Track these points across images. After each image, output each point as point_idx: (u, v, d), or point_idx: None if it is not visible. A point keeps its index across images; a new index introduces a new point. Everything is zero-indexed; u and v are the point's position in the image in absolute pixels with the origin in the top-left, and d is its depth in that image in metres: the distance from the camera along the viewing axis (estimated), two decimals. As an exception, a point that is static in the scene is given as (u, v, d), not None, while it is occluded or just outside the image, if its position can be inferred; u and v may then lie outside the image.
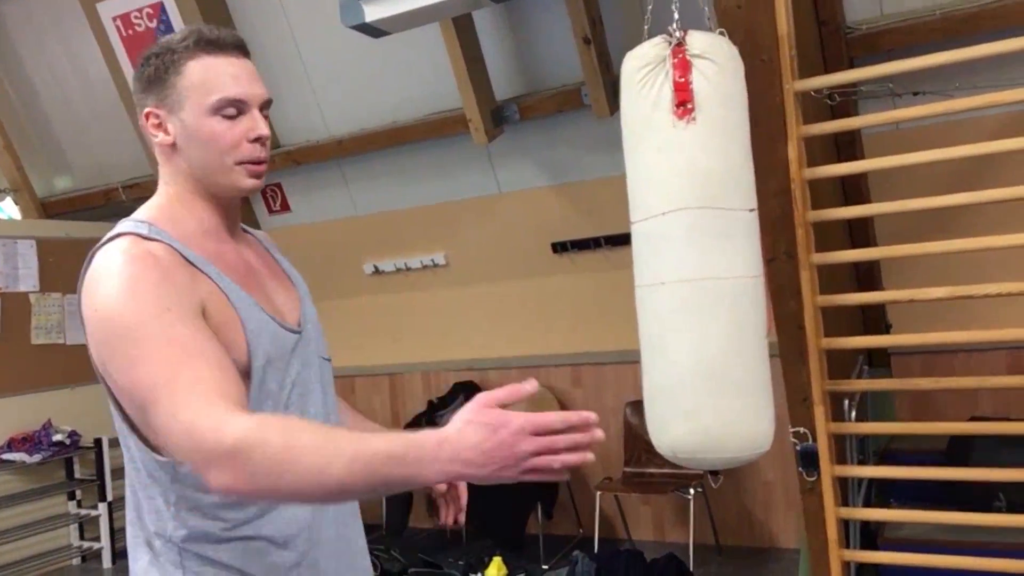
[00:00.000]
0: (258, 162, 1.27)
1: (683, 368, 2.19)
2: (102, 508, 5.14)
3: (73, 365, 5.32)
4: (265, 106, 1.29)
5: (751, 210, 2.25)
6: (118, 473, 5.27)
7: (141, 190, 5.71)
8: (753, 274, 2.23)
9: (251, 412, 1.11)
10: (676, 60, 2.19)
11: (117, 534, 5.22)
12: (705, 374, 2.17)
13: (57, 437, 5.05)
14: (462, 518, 1.53)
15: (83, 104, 5.66)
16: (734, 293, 2.18)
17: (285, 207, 5.43)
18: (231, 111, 1.24)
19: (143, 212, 1.29)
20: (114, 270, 1.16)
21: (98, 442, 5.14)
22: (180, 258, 1.19)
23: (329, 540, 1.33)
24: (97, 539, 5.19)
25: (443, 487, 1.51)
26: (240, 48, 1.27)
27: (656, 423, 2.28)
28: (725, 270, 2.17)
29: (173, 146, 1.26)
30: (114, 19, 4.98)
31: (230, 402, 1.06)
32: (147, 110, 1.26)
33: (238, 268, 1.28)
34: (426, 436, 0.98)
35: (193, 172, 1.26)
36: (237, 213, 1.35)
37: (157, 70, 1.24)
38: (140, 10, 4.88)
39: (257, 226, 5.57)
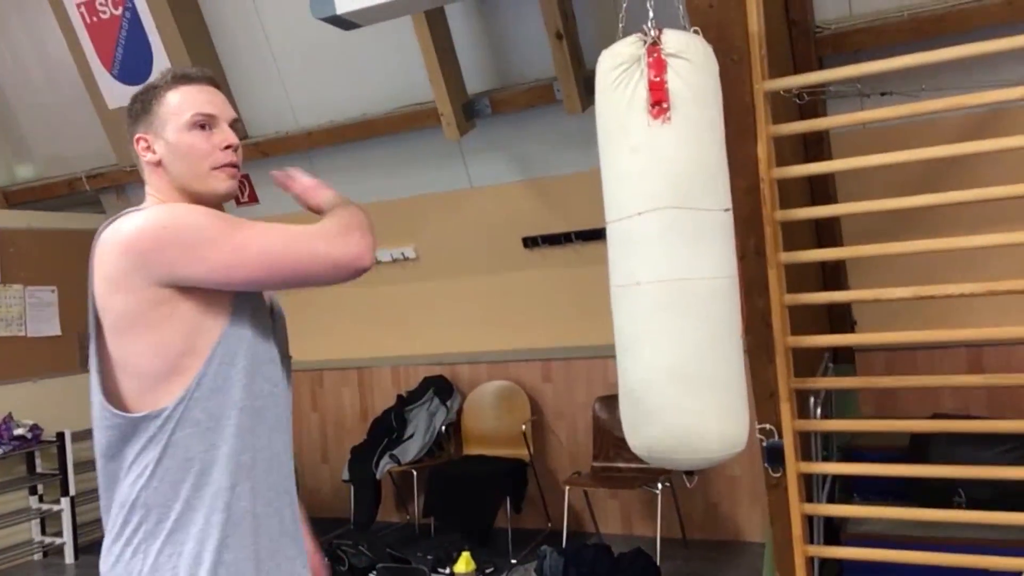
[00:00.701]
0: (232, 166, 1.48)
1: (658, 368, 2.18)
2: (64, 503, 5.07)
3: (34, 358, 5.23)
4: (232, 124, 1.51)
5: (726, 210, 2.25)
6: (81, 467, 5.19)
7: (105, 180, 5.62)
8: (728, 274, 2.22)
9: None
10: (651, 59, 2.18)
11: (80, 529, 5.15)
12: (680, 374, 2.17)
13: (18, 431, 4.96)
14: None
15: (46, 92, 5.54)
16: (709, 293, 2.18)
17: (253, 199, 5.37)
18: (204, 123, 1.46)
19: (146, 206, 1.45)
20: (158, 209, 1.39)
21: (60, 436, 5.06)
22: None
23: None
24: (59, 534, 5.11)
25: None
26: (209, 80, 1.51)
27: (631, 423, 2.27)
28: (700, 270, 2.16)
29: (159, 163, 1.47)
30: (78, 6, 4.89)
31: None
32: (137, 136, 1.48)
33: None
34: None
35: (176, 184, 1.47)
36: None
37: (143, 104, 1.48)
38: (105, -3, 4.80)
39: (225, 218, 5.51)
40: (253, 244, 1.34)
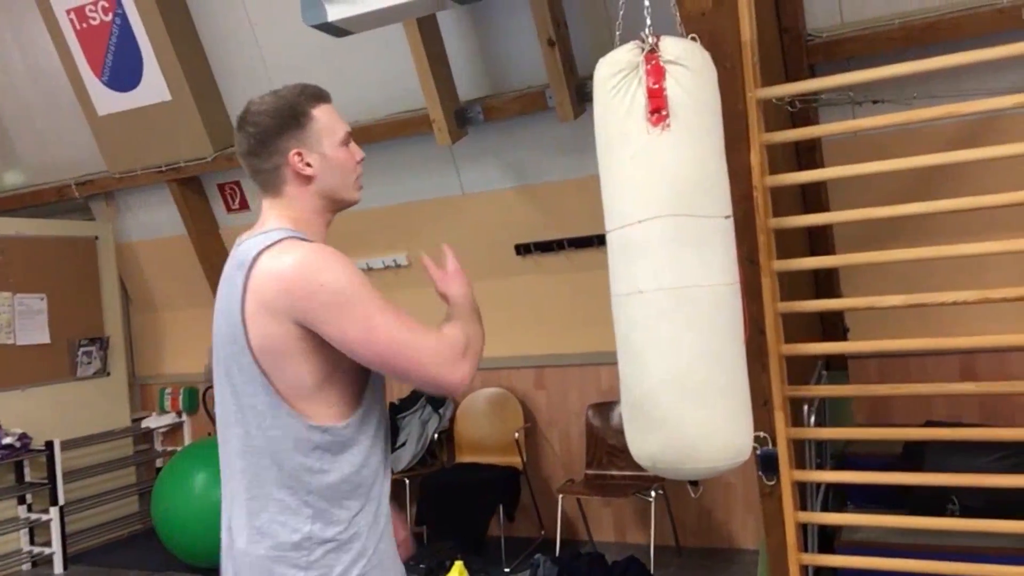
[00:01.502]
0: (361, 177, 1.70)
1: (663, 377, 2.15)
2: (53, 512, 5.02)
3: (24, 366, 5.18)
4: None
5: (727, 217, 2.24)
6: (70, 476, 5.15)
7: (94, 187, 5.60)
8: (729, 281, 2.20)
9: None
10: (649, 66, 2.17)
11: (69, 538, 5.11)
12: (685, 383, 2.14)
13: (7, 440, 4.91)
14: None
15: (35, 98, 5.52)
16: (712, 300, 2.16)
17: (244, 206, 5.35)
18: (348, 141, 1.65)
19: (283, 225, 1.59)
20: (317, 257, 1.51)
21: (49, 445, 5.02)
22: None
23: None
24: (48, 544, 5.06)
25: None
26: (329, 96, 1.68)
27: (635, 433, 2.24)
28: (703, 278, 2.14)
29: (309, 176, 1.60)
30: (68, 12, 4.86)
31: (432, 330, 1.59)
32: (295, 150, 1.59)
33: None
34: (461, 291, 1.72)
35: (324, 193, 1.62)
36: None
37: (292, 117, 1.59)
38: (95, 3, 4.78)
39: (215, 224, 5.51)
40: (383, 334, 1.50)
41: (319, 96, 1.64)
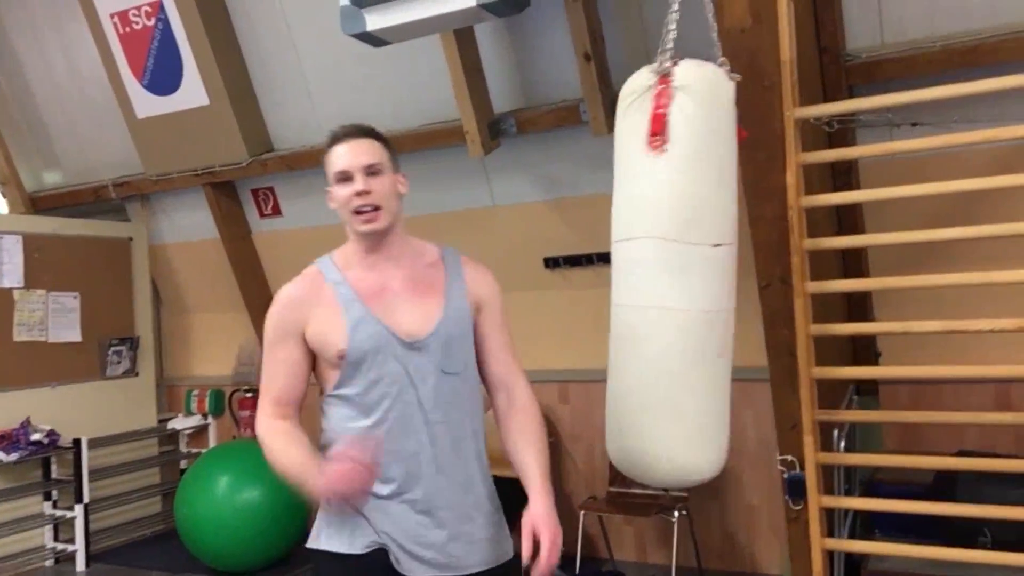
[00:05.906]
0: (361, 209, 1.83)
1: (627, 389, 2.31)
2: (78, 510, 5.06)
3: (54, 363, 5.25)
4: (368, 169, 1.83)
5: (715, 245, 2.25)
6: (95, 475, 5.20)
7: (131, 188, 5.67)
8: (704, 308, 2.25)
9: (280, 420, 1.84)
10: (658, 90, 2.22)
11: (92, 536, 5.15)
12: (645, 399, 2.28)
13: (35, 436, 4.96)
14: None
15: (76, 99, 5.61)
16: (679, 324, 2.25)
17: (276, 211, 5.39)
18: (343, 178, 1.83)
19: (337, 249, 1.94)
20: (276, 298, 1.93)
21: (76, 442, 5.07)
22: (320, 280, 1.87)
23: (429, 476, 1.85)
24: (71, 541, 5.11)
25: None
26: (357, 132, 1.86)
27: (609, 435, 2.42)
28: (674, 301, 2.23)
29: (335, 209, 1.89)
30: (111, 16, 4.94)
31: (278, 408, 1.84)
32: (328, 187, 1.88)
33: (371, 288, 1.85)
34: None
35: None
36: (383, 247, 1.89)
37: (325, 160, 1.89)
38: (139, 8, 4.85)
39: (247, 229, 5.54)
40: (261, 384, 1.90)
41: (333, 138, 1.86)
